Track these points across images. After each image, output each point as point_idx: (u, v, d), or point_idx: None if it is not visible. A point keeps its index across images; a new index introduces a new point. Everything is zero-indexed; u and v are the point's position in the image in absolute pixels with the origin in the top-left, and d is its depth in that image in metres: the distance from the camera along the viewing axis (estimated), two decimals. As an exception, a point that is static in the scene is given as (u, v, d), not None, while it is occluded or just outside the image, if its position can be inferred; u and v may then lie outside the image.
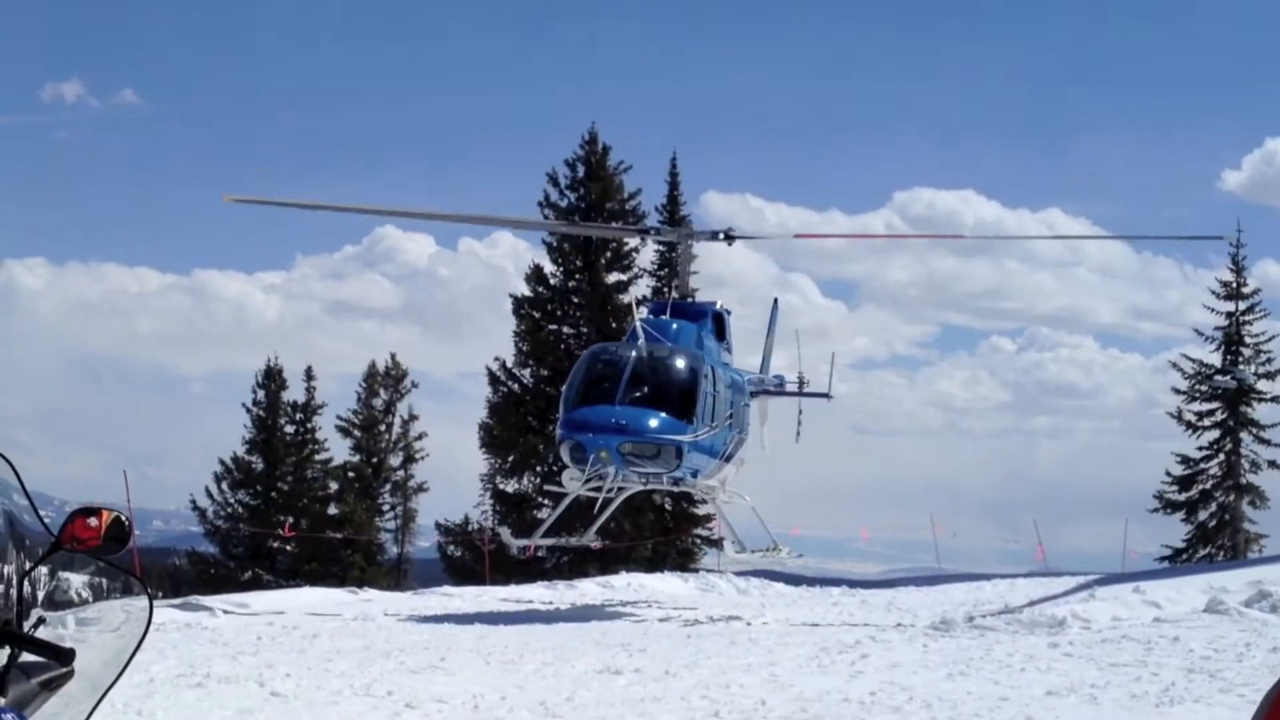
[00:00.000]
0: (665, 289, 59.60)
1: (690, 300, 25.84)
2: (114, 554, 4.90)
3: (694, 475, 25.86)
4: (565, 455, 24.43)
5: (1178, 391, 56.34)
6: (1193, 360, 56.38)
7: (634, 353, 24.61)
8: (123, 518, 4.90)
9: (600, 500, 26.59)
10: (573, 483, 24.60)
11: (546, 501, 57.91)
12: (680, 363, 24.80)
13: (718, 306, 26.84)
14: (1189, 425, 55.76)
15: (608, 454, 23.83)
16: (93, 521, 4.84)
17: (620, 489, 26.44)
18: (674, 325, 26.08)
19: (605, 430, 23.76)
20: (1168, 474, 55.70)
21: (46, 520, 5.13)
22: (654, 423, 23.99)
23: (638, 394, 24.20)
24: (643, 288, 59.30)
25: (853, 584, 40.76)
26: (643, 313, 25.61)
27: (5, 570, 4.93)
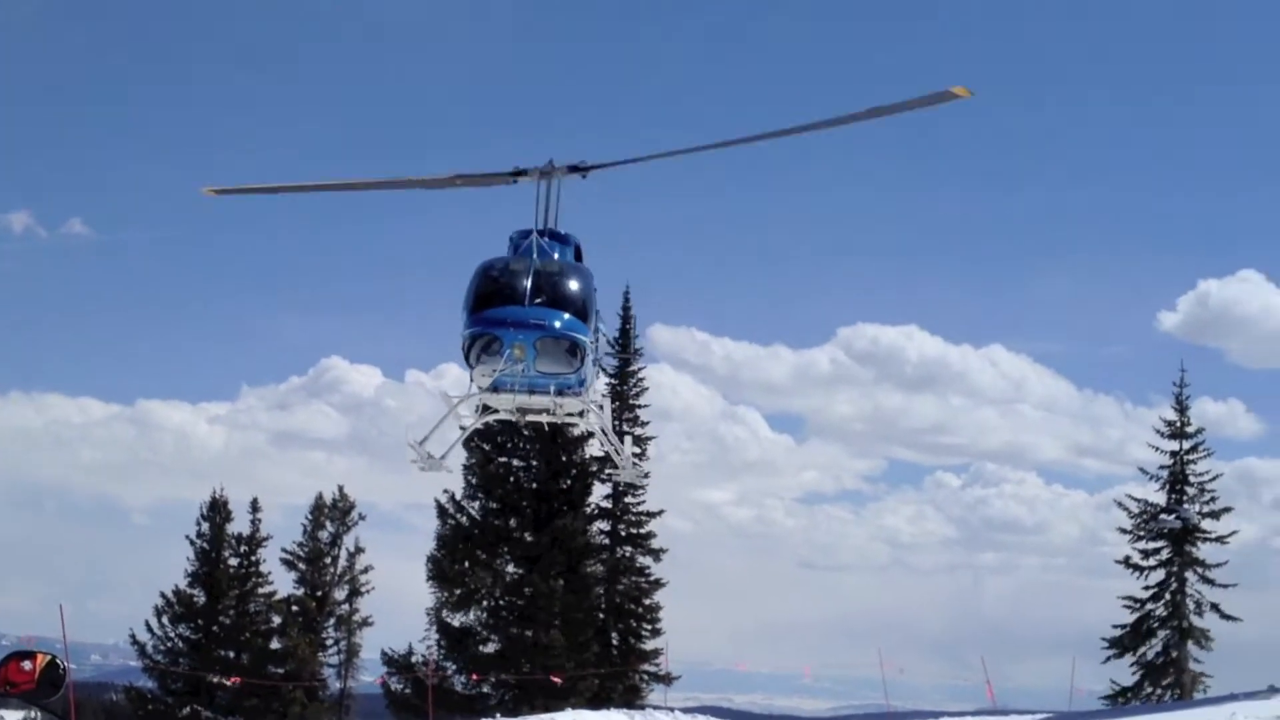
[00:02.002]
0: (617, 421, 59.69)
1: (554, 230, 26.22)
2: (48, 698, 4.83)
3: (580, 385, 26.28)
4: (475, 352, 24.50)
5: (1123, 531, 56.71)
6: (1137, 500, 56.82)
7: (534, 263, 25.16)
8: (58, 661, 4.84)
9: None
10: (484, 378, 24.67)
11: (493, 636, 57.34)
12: (577, 274, 25.44)
13: (576, 239, 27.24)
14: (1135, 568, 56.05)
15: (522, 349, 24.12)
16: (27, 665, 4.77)
17: (519, 409, 26.42)
18: (555, 245, 26.58)
19: (523, 325, 24.08)
20: (1114, 625, 55.92)
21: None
22: (567, 320, 24.58)
23: (542, 298, 24.69)
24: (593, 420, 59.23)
25: (802, 722, 40.41)
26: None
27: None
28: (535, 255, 25.21)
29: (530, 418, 26.55)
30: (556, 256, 25.68)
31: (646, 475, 57.12)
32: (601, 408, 27.31)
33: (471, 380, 25.29)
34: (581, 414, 26.93)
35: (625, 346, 60.28)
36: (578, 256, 26.95)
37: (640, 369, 60.51)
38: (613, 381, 59.65)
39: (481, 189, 26.27)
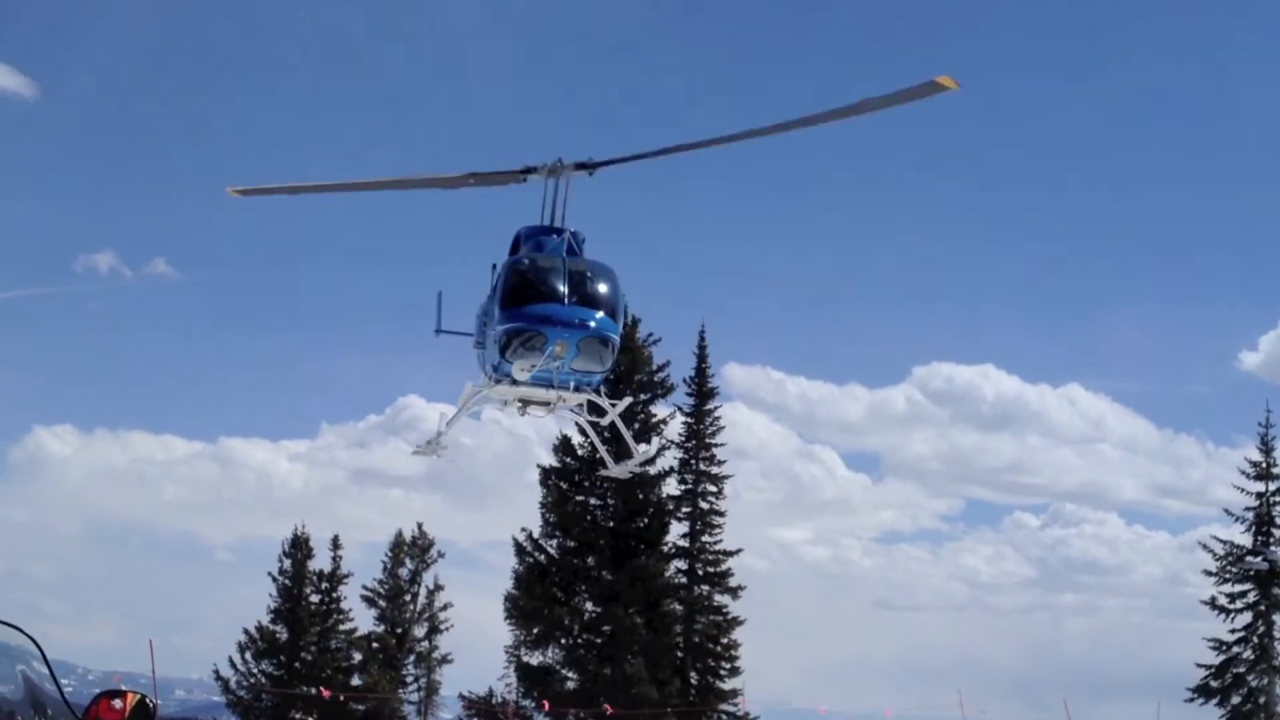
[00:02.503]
0: (693, 460, 59.80)
1: (560, 228, 26.31)
2: None
3: (604, 383, 26.61)
4: (517, 345, 24.52)
5: (1208, 573, 55.91)
6: (1223, 541, 56.03)
7: (566, 261, 25.30)
8: (148, 701, 5.01)
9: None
10: (523, 372, 24.80)
11: (572, 674, 57.44)
12: (608, 273, 25.55)
13: (582, 235, 27.29)
14: (1221, 610, 55.22)
15: (564, 346, 24.18)
16: (117, 704, 4.93)
17: (521, 399, 26.55)
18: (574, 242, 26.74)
19: (569, 324, 24.18)
20: (1199, 665, 55.08)
21: (70, 691, 5.25)
22: (608, 320, 24.74)
23: (579, 297, 24.82)
24: (669, 459, 59.45)
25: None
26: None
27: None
28: (564, 253, 25.47)
29: (531, 408, 26.69)
30: (581, 250, 25.98)
31: (651, 461, 56.70)
32: (612, 402, 27.41)
33: (486, 372, 25.57)
34: (583, 405, 27.10)
35: (701, 385, 60.38)
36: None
37: (716, 408, 60.64)
38: (689, 420, 59.81)
39: (494, 189, 26.49)
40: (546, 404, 26.03)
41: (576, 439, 58.46)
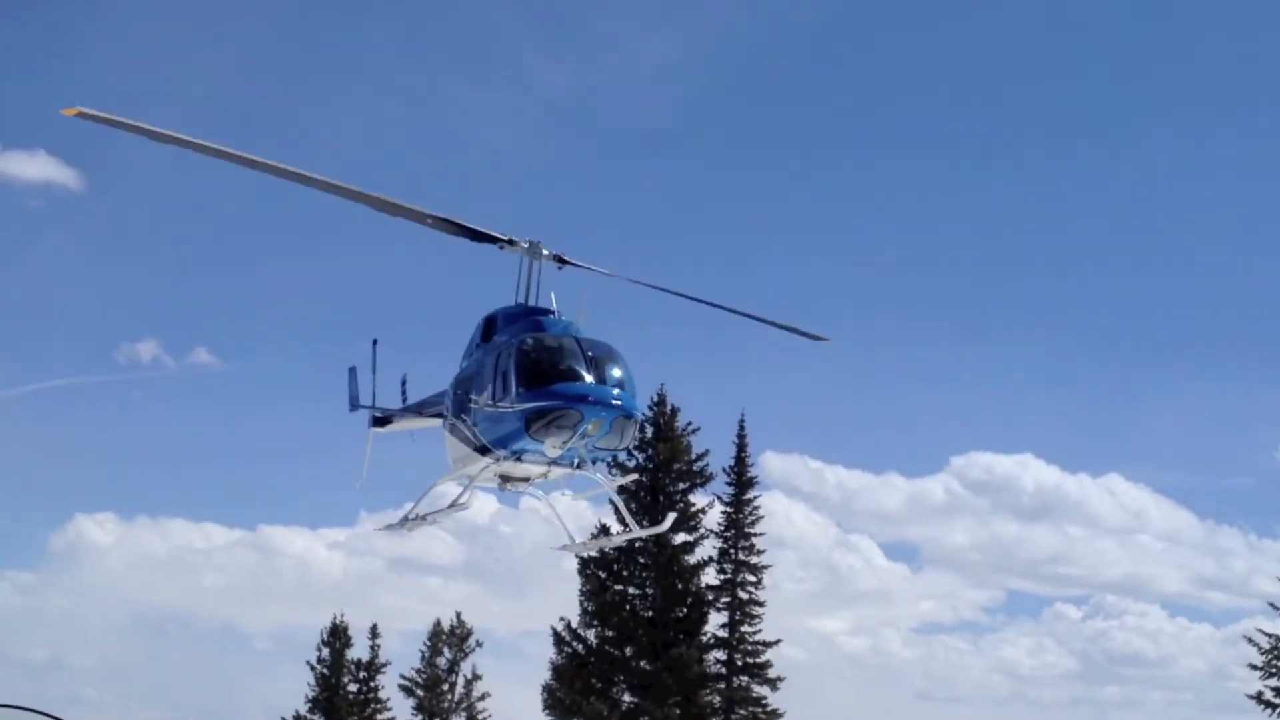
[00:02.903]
0: (732, 549, 59.69)
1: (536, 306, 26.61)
2: None
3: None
4: (546, 423, 24.06)
5: (1254, 666, 55.24)
6: (1268, 634, 55.39)
7: (581, 340, 25.42)
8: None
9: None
10: (554, 449, 24.67)
11: None
12: (621, 354, 25.60)
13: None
14: (1268, 705, 54.51)
15: (598, 424, 23.98)
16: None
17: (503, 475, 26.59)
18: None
19: (606, 402, 23.98)
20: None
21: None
22: (636, 400, 24.90)
23: (606, 375, 24.85)
24: (708, 549, 59.39)
25: None
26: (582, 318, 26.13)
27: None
28: (573, 334, 25.72)
29: (513, 485, 26.69)
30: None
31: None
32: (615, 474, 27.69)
33: (480, 445, 25.56)
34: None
35: (740, 474, 60.42)
36: None
37: (756, 497, 60.63)
38: (728, 509, 59.80)
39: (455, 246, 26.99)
40: (527, 479, 26.23)
41: (615, 528, 58.50)
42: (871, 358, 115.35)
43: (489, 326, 26.42)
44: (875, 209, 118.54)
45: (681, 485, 58.52)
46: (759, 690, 58.82)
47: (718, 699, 58.19)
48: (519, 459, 25.01)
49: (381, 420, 32.00)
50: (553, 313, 25.95)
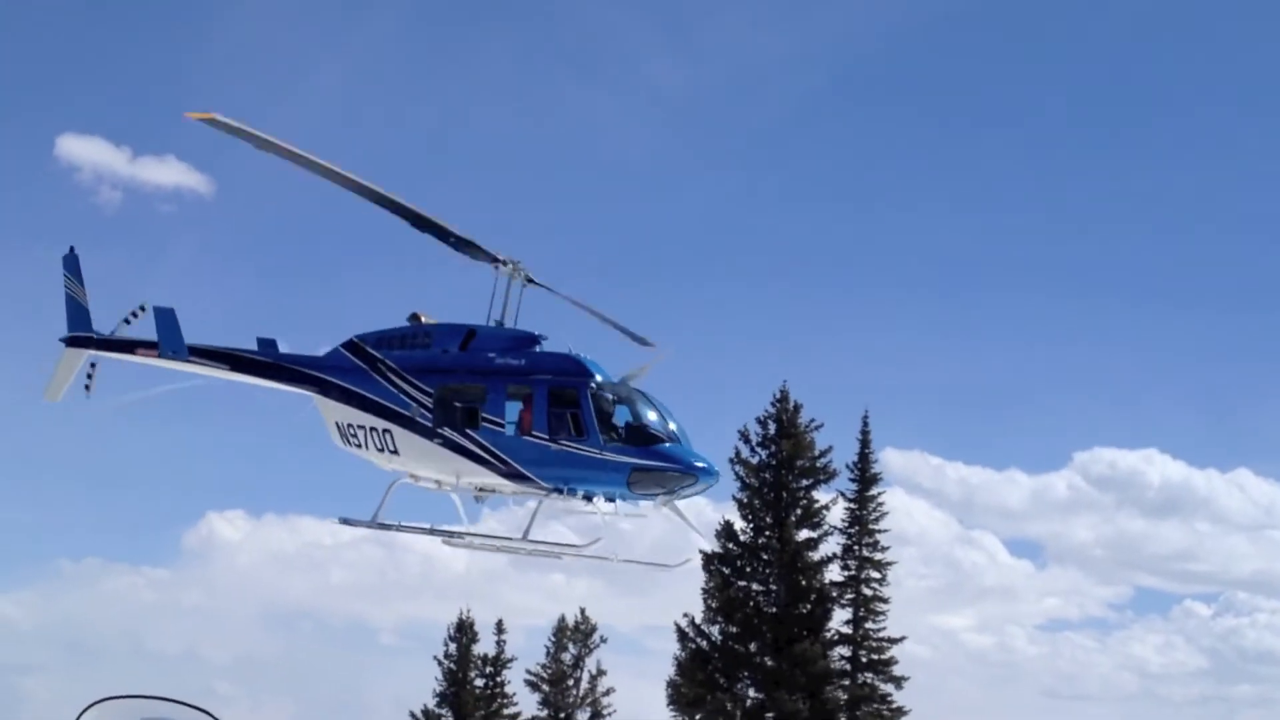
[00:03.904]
0: (856, 546, 59.45)
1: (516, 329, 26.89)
2: None
3: None
4: (656, 481, 25.02)
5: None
6: None
7: (646, 392, 26.13)
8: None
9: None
10: (644, 501, 25.39)
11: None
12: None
13: None
14: None
15: (701, 488, 25.28)
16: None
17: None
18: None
19: (712, 470, 25.17)
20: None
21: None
22: None
23: (685, 436, 25.53)
24: (833, 545, 59.20)
25: None
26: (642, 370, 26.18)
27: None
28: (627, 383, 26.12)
29: (485, 495, 26.97)
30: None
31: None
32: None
33: (530, 482, 25.40)
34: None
35: (864, 471, 60.14)
36: None
37: (879, 493, 60.32)
38: (851, 506, 59.56)
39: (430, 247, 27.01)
40: (494, 491, 26.54)
41: (739, 524, 58.55)
42: (992, 353, 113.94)
43: (469, 339, 26.50)
44: (994, 202, 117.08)
45: (805, 482, 58.39)
46: (884, 687, 58.53)
47: (842, 695, 57.99)
48: (573, 495, 25.53)
49: (115, 346, 29.56)
50: (543, 339, 26.47)
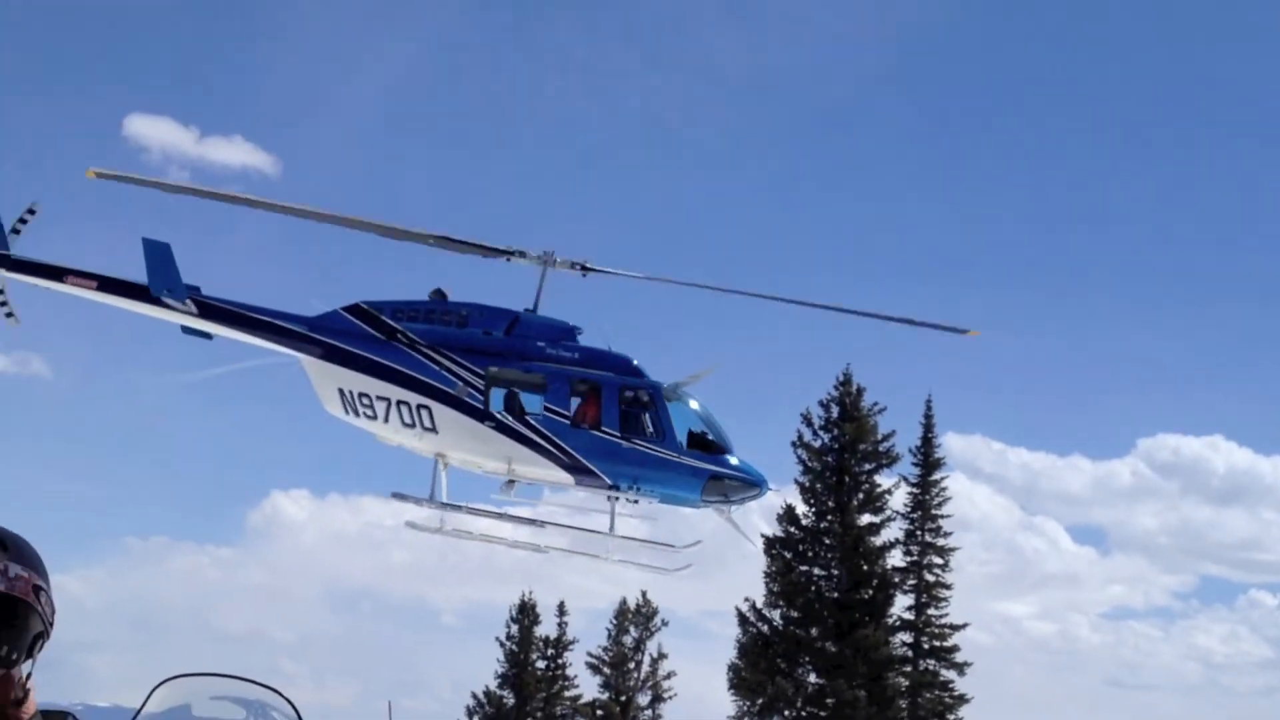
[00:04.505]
0: (919, 531, 59.11)
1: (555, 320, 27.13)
2: None
3: None
4: (727, 491, 26.23)
5: None
6: None
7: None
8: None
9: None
10: (706, 507, 26.41)
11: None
12: None
13: None
14: None
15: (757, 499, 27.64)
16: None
17: None
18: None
19: (767, 485, 27.75)
20: None
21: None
22: None
23: None
24: (895, 530, 58.91)
25: None
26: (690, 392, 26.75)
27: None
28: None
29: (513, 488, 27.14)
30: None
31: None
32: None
33: (594, 478, 25.88)
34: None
35: (927, 456, 59.77)
36: None
37: (943, 478, 59.94)
38: (915, 490, 59.21)
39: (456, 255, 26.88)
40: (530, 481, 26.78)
41: (801, 508, 58.36)
42: (1056, 338, 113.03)
43: (514, 324, 26.57)
44: (1061, 185, 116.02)
45: (867, 466, 58.11)
46: (946, 674, 58.22)
47: (904, 681, 57.72)
48: (630, 494, 25.81)
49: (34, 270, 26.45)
50: (579, 330, 26.73)
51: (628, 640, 64.23)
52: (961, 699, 57.83)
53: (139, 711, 6.41)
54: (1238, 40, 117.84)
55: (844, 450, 57.88)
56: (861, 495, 58.18)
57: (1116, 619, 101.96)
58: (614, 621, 64.59)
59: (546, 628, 64.22)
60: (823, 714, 56.32)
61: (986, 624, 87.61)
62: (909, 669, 57.98)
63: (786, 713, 57.09)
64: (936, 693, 57.91)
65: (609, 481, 25.78)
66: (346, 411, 26.23)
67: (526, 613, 64.08)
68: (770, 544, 58.69)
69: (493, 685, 63.23)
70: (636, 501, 26.29)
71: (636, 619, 64.57)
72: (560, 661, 63.78)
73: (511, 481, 26.50)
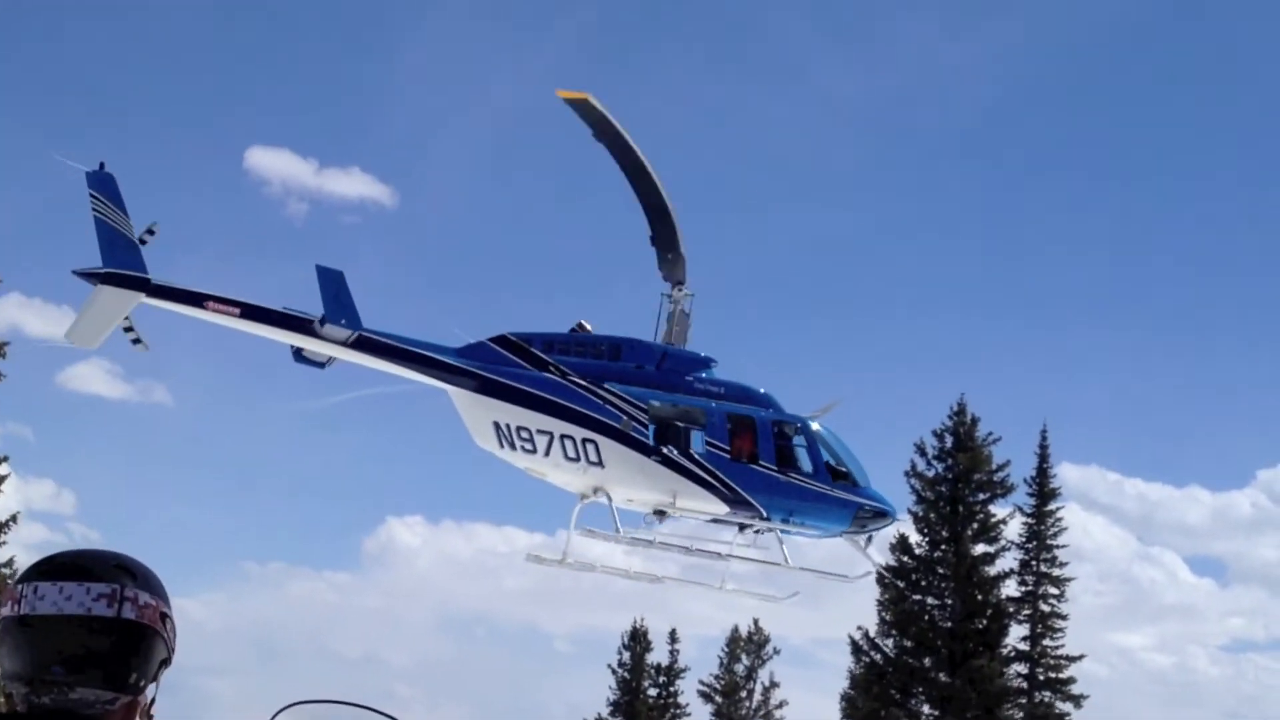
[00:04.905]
0: (1034, 561, 58.50)
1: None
2: None
3: None
4: (869, 521, 27.21)
5: None
6: None
7: None
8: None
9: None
10: (845, 536, 27.41)
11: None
12: None
13: None
14: None
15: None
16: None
17: None
18: None
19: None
20: None
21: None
22: None
23: None
24: (1010, 560, 58.37)
25: None
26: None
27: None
28: None
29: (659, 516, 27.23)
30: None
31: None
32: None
33: (752, 511, 26.22)
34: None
35: (1042, 485, 59.21)
36: None
37: (1058, 508, 59.32)
38: (1029, 520, 58.65)
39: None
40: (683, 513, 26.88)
41: (914, 538, 58.05)
42: (1174, 366, 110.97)
43: (663, 359, 26.88)
44: (1170, 207, 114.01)
45: (981, 496, 57.70)
46: (1061, 706, 57.46)
47: (1019, 714, 57.08)
48: (783, 526, 26.31)
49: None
50: (714, 362, 27.35)
51: (739, 668, 64.29)
52: (1078, 732, 57.06)
53: None
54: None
55: (958, 480, 57.53)
56: (976, 525, 57.76)
57: (1236, 651, 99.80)
58: (726, 649, 64.73)
59: (658, 655, 64.49)
60: (936, 745, 55.89)
61: (1103, 656, 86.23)
62: (1024, 700, 57.32)
63: (900, 743, 56.74)
64: (1053, 725, 57.19)
65: (764, 514, 26.08)
66: (501, 445, 25.67)
67: (639, 640, 64.33)
68: (883, 573, 58.42)
69: (605, 712, 63.59)
70: (778, 532, 26.92)
71: (748, 647, 64.59)
72: (672, 689, 63.95)
73: (662, 514, 26.53)
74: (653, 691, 63.84)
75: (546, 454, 25.50)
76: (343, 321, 24.87)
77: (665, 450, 25.58)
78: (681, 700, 63.86)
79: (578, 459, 25.46)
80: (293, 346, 25.74)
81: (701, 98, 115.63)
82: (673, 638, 64.78)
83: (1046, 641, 57.97)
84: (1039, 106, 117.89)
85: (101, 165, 24.60)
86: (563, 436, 25.33)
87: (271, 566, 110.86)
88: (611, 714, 63.53)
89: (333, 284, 25.13)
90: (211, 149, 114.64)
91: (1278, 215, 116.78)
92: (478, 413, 25.80)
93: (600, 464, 25.44)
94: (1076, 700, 57.27)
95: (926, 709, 57.14)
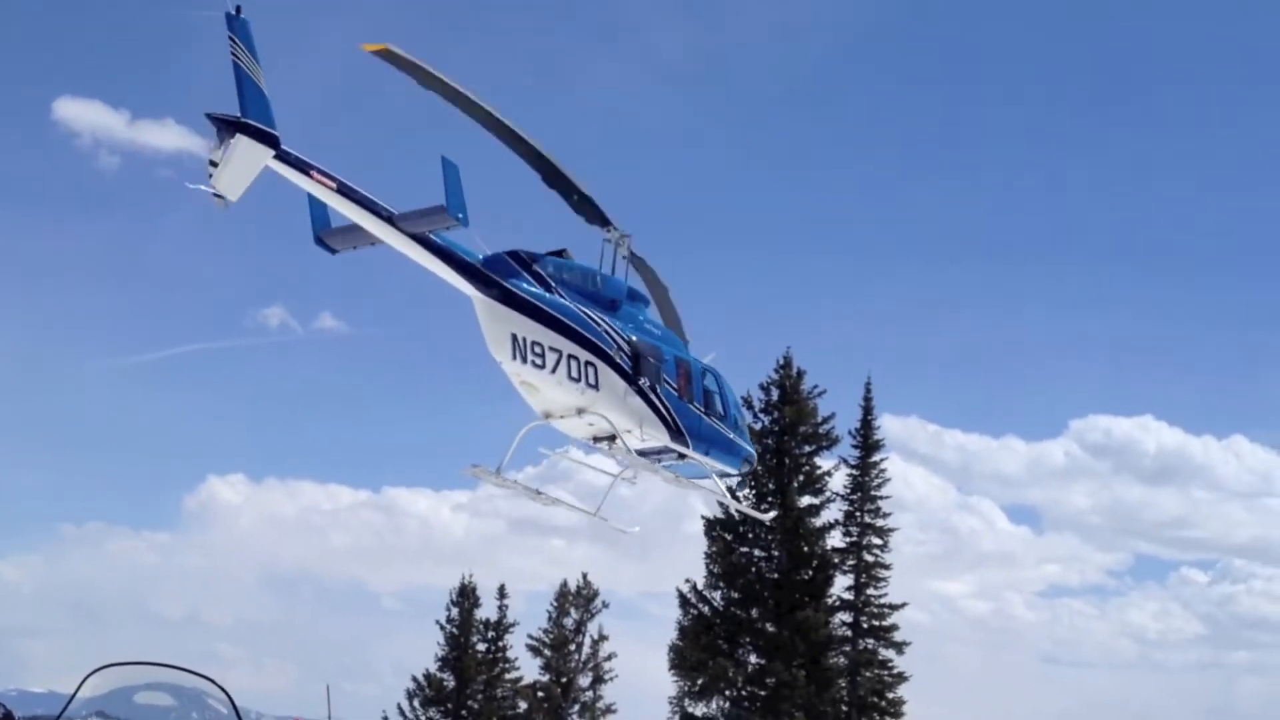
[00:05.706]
0: (858, 512, 59.48)
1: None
2: None
3: None
4: (748, 472, 29.55)
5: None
6: None
7: None
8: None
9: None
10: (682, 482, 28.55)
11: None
12: None
13: None
14: None
15: None
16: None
17: None
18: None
19: None
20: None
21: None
22: None
23: None
24: (835, 512, 59.26)
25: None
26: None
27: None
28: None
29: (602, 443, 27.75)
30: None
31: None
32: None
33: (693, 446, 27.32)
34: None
35: (866, 438, 60.13)
36: None
37: (881, 460, 60.28)
38: (854, 472, 59.55)
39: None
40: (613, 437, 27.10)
41: (742, 490, 58.49)
42: (990, 321, 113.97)
43: (631, 296, 27.39)
44: (994, 172, 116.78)
45: (807, 448, 58.43)
46: (885, 653, 58.68)
47: (844, 661, 58.15)
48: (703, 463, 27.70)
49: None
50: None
51: (568, 622, 64.24)
52: (900, 677, 58.33)
53: (71, 699, 6.37)
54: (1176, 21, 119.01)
55: (784, 433, 58.17)
56: (801, 477, 58.52)
57: (1051, 597, 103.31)
58: (554, 604, 64.61)
59: (487, 611, 64.17)
60: (763, 694, 56.66)
61: (924, 603, 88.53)
62: (848, 649, 58.40)
63: (727, 693, 57.39)
64: (875, 671, 58.38)
65: (689, 450, 27.18)
66: (514, 357, 25.66)
67: (467, 596, 63.94)
68: (710, 525, 58.93)
69: (433, 668, 63.10)
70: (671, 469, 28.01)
71: (577, 601, 64.58)
72: (501, 644, 63.70)
73: (612, 440, 26.68)
74: (481, 647, 63.56)
75: (553, 371, 25.81)
76: (458, 216, 23.86)
77: (640, 383, 26.50)
78: (510, 655, 63.74)
79: (579, 380, 25.90)
80: (314, 231, 25.58)
81: (534, 56, 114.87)
82: (501, 593, 64.61)
83: (870, 591, 59.06)
84: (861, 66, 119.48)
85: (238, 9, 22.07)
86: (569, 356, 25.82)
87: (89, 527, 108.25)
88: (440, 670, 63.12)
89: (453, 177, 23.96)
90: (16, 99, 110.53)
91: (1097, 185, 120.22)
92: (498, 323, 25.78)
93: (596, 387, 26.04)
94: (899, 647, 58.51)
95: (753, 658, 57.87)
